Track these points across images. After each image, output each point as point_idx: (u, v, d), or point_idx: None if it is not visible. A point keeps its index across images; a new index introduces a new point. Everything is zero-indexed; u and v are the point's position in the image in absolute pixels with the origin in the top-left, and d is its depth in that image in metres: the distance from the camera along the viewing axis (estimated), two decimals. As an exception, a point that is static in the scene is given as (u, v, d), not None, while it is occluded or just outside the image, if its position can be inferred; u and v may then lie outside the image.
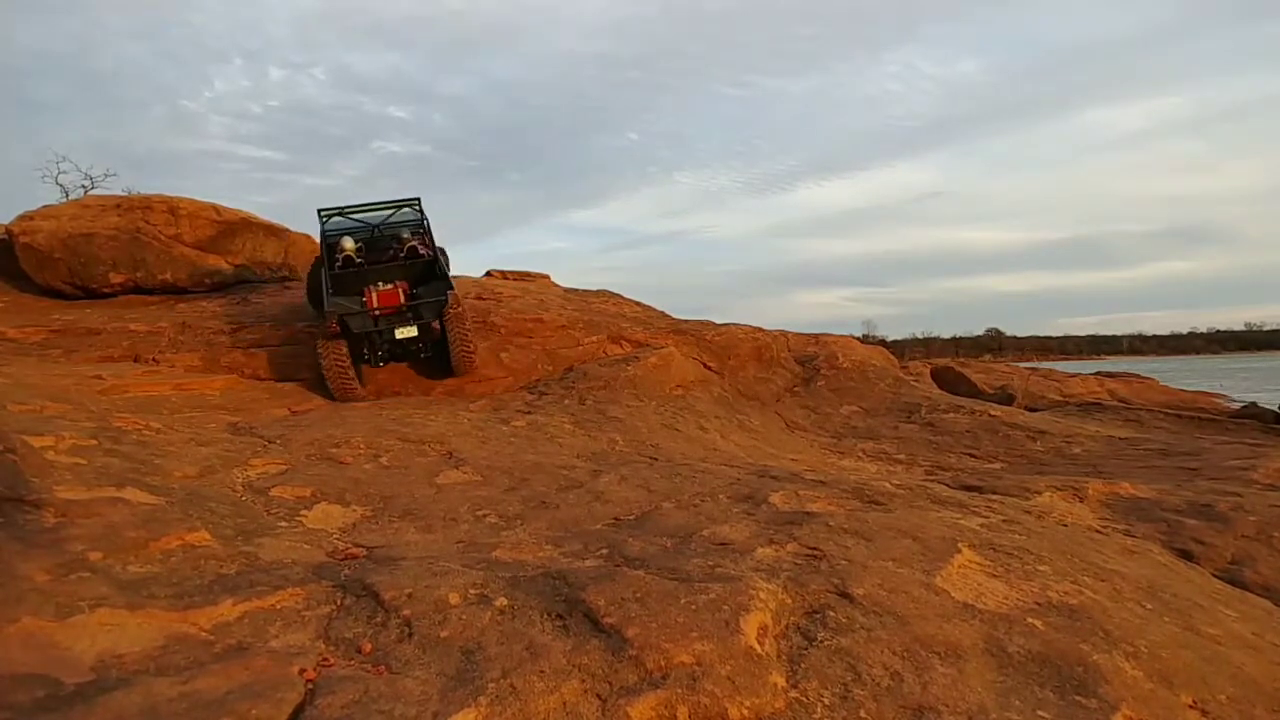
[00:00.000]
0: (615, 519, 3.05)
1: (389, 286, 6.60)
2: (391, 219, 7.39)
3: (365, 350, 6.84)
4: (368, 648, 1.69)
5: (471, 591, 1.95)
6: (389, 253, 7.16)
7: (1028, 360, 55.43)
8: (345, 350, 6.54)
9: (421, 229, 7.29)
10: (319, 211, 7.18)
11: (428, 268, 6.98)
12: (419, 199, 7.41)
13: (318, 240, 7.22)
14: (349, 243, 6.99)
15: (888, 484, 3.72)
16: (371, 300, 6.47)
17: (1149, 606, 2.24)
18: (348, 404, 6.33)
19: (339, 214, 7.27)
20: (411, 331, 6.66)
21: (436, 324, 6.82)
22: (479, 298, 9.97)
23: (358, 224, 7.31)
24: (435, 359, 7.29)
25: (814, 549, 2.38)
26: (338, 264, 6.81)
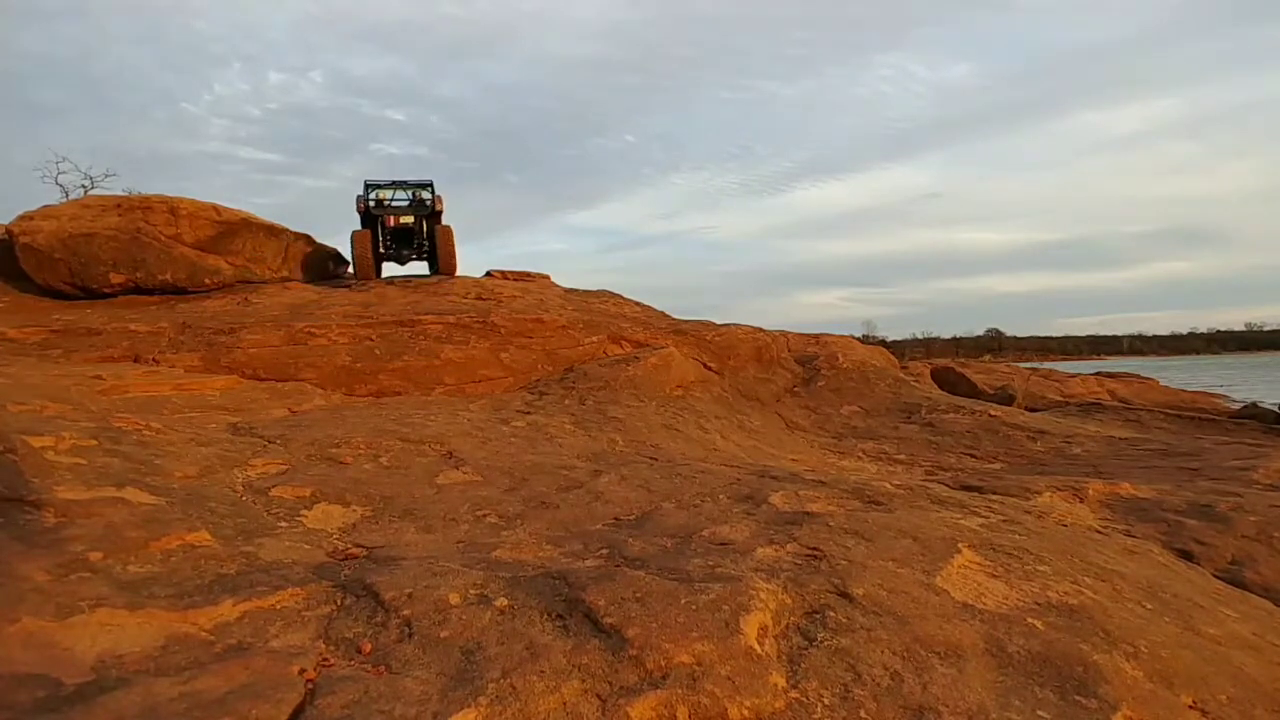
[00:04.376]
0: (615, 519, 3.05)
1: (401, 217, 11.46)
2: (414, 186, 11.80)
3: (380, 246, 11.40)
4: (368, 648, 1.69)
5: (471, 591, 1.95)
6: (408, 204, 11.69)
7: (1028, 360, 55.35)
8: (369, 239, 11.07)
9: (430, 194, 11.65)
10: (366, 181, 11.61)
11: (429, 214, 11.63)
12: (433, 180, 11.89)
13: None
14: (385, 193, 11.57)
15: (888, 484, 3.72)
16: (388, 219, 11.36)
17: (1149, 607, 2.24)
18: (348, 404, 6.35)
19: (379, 185, 11.78)
20: (409, 220, 11.41)
21: (424, 229, 11.59)
22: (479, 298, 9.97)
23: (394, 187, 11.89)
24: (426, 263, 12.11)
25: (814, 549, 2.38)
26: (375, 204, 11.45)
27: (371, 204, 11.17)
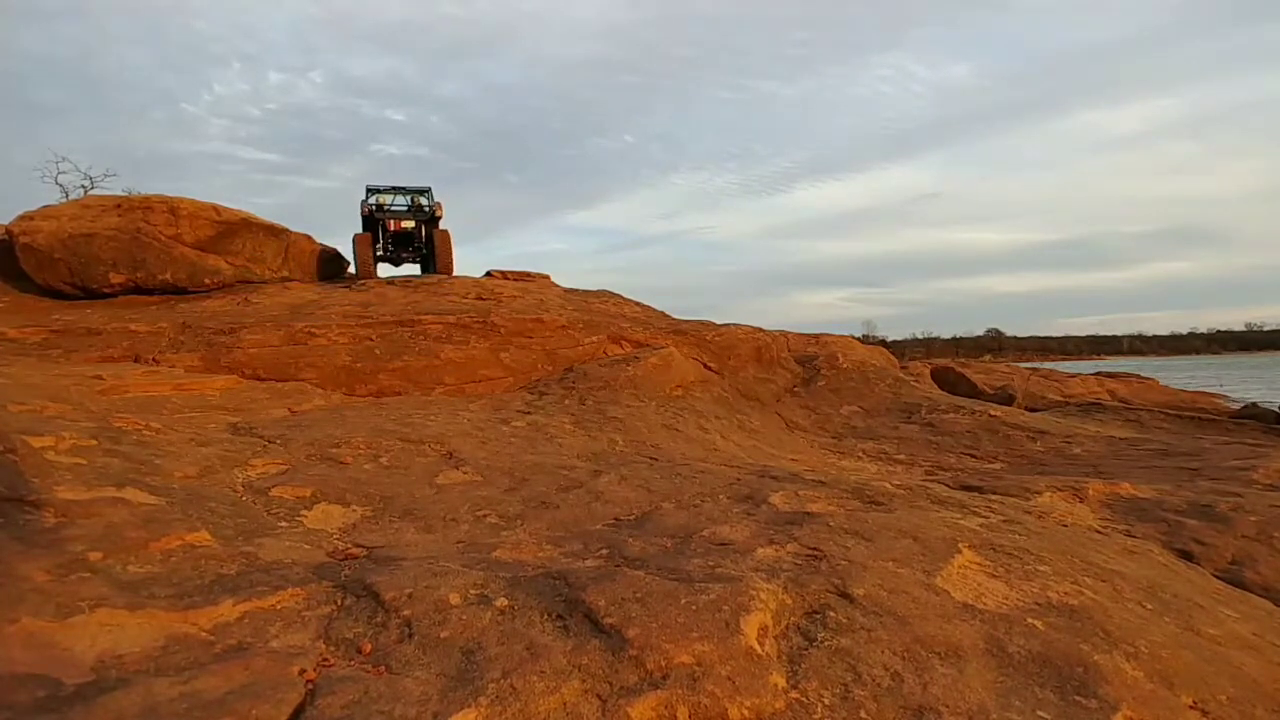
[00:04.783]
0: (615, 519, 3.05)
1: (402, 222, 12.06)
2: (413, 192, 12.41)
3: (381, 248, 12.07)
4: (368, 648, 1.69)
5: (471, 592, 1.95)
6: (408, 209, 12.30)
7: (1028, 360, 55.27)
8: (370, 241, 11.66)
9: (428, 200, 12.26)
10: (368, 186, 12.27)
11: (429, 219, 12.23)
12: (431, 187, 12.55)
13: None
14: (385, 198, 12.15)
15: (888, 484, 3.72)
16: (389, 223, 11.95)
17: (1149, 607, 2.24)
18: (348, 404, 6.36)
19: (379, 190, 12.38)
20: (410, 224, 11.99)
21: (423, 234, 12.17)
22: (479, 298, 9.97)
23: (394, 192, 12.50)
24: (425, 264, 12.58)
25: (814, 549, 2.38)
26: (377, 208, 12.01)
27: (374, 208, 11.80)
